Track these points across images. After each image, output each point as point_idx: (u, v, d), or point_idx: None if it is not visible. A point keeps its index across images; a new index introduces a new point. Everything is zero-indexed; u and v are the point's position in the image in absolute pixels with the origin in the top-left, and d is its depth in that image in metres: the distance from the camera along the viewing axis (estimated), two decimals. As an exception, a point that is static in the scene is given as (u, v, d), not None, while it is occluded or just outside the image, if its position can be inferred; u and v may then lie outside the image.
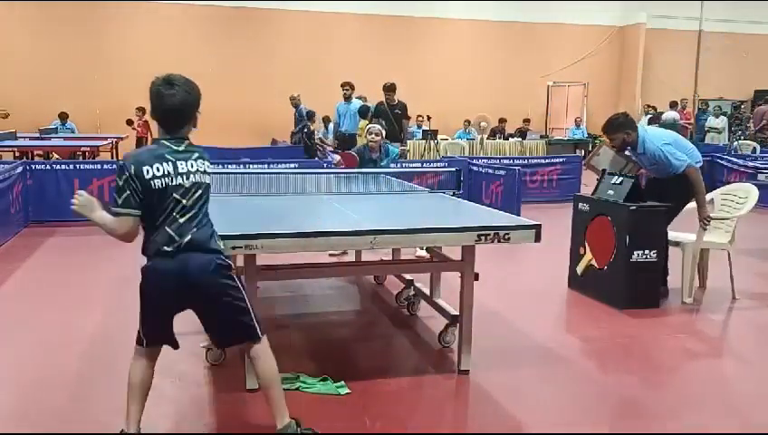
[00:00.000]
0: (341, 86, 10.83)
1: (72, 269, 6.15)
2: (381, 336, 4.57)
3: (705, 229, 5.08)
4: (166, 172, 2.63)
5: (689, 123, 16.34)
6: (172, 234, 2.65)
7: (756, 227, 7.99)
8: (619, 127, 5.07)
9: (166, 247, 2.64)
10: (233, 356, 3.86)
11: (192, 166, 2.71)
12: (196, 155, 2.75)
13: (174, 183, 2.65)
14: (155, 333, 2.81)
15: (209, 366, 3.77)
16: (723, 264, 5.31)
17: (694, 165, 5.04)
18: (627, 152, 5.24)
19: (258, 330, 2.85)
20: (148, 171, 2.61)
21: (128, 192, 2.60)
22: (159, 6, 16.05)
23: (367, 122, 10.16)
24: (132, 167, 2.60)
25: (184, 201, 2.67)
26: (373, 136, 6.29)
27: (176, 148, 2.69)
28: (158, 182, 2.62)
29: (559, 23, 18.43)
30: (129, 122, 14.31)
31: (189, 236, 2.67)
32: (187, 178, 2.68)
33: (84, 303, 5.02)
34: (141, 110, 14.40)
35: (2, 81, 14.71)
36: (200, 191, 2.73)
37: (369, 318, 4.98)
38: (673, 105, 16.13)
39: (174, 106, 2.66)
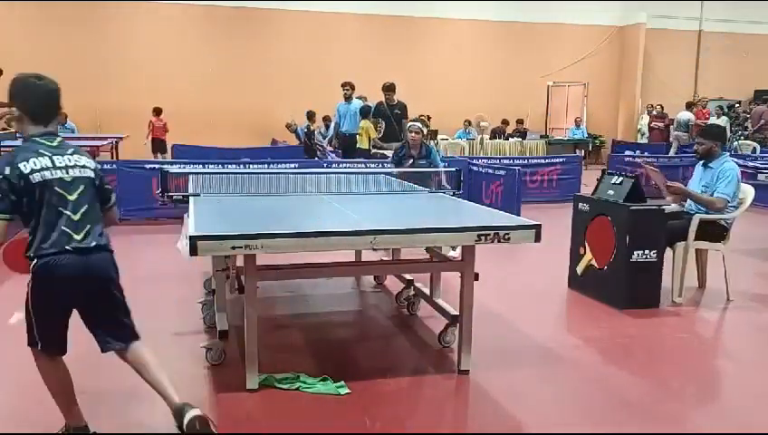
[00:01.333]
0: (342, 86, 10.83)
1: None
2: (381, 336, 4.57)
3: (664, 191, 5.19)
4: (44, 166, 2.60)
5: (706, 123, 16.33)
6: (69, 232, 2.61)
7: (756, 227, 8.00)
8: (716, 136, 5.38)
9: (66, 246, 2.60)
10: (233, 356, 3.86)
11: (70, 160, 2.68)
12: (72, 150, 2.73)
13: (53, 176, 2.61)
14: (54, 335, 2.74)
15: (209, 366, 3.77)
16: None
17: (730, 203, 5.15)
18: (701, 164, 5.39)
19: (136, 331, 2.86)
20: (25, 166, 2.57)
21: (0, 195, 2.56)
22: (159, 6, 16.04)
23: (367, 122, 10.18)
24: (7, 168, 2.56)
25: (69, 196, 2.64)
26: (413, 134, 6.29)
27: (49, 144, 2.67)
28: (37, 176, 2.58)
29: (559, 23, 18.42)
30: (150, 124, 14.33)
31: (92, 239, 2.65)
32: (67, 172, 2.65)
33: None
34: (157, 111, 14.40)
35: (2, 81, 14.71)
36: (83, 186, 2.69)
37: (369, 318, 4.99)
38: (689, 106, 15.99)
39: (45, 95, 2.68)
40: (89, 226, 2.67)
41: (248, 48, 16.52)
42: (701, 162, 5.39)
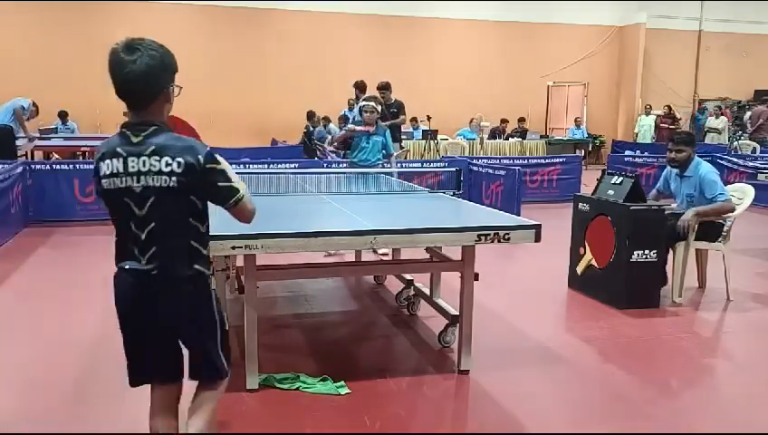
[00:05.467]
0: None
1: (72, 269, 6.15)
2: (381, 336, 4.57)
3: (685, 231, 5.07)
4: (115, 170, 2.08)
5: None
6: (135, 252, 2.14)
7: (756, 227, 8.00)
8: (692, 143, 5.37)
9: (128, 265, 2.16)
10: (233, 356, 3.84)
11: (144, 164, 2.06)
12: (152, 149, 2.07)
13: (123, 185, 2.09)
14: (130, 361, 2.28)
15: (209, 366, 3.76)
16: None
17: (731, 201, 5.16)
18: (676, 173, 5.39)
19: (220, 372, 2.34)
20: (101, 168, 2.11)
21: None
22: (159, 6, 16.05)
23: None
24: (96, 160, 2.15)
25: (137, 210, 2.10)
26: (367, 114, 6.35)
27: (132, 138, 2.09)
28: (107, 182, 2.10)
29: (559, 23, 18.42)
30: None
31: (157, 263, 2.13)
32: (138, 181, 2.08)
33: (84, 303, 5.02)
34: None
35: (2, 81, 14.70)
36: (154, 197, 2.08)
37: (369, 318, 4.98)
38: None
39: (134, 76, 2.04)
40: (155, 247, 2.12)
41: (248, 48, 16.53)
42: (674, 170, 5.37)
